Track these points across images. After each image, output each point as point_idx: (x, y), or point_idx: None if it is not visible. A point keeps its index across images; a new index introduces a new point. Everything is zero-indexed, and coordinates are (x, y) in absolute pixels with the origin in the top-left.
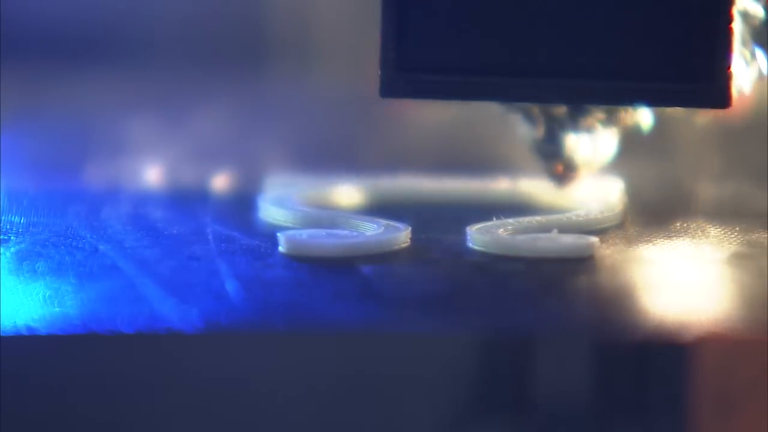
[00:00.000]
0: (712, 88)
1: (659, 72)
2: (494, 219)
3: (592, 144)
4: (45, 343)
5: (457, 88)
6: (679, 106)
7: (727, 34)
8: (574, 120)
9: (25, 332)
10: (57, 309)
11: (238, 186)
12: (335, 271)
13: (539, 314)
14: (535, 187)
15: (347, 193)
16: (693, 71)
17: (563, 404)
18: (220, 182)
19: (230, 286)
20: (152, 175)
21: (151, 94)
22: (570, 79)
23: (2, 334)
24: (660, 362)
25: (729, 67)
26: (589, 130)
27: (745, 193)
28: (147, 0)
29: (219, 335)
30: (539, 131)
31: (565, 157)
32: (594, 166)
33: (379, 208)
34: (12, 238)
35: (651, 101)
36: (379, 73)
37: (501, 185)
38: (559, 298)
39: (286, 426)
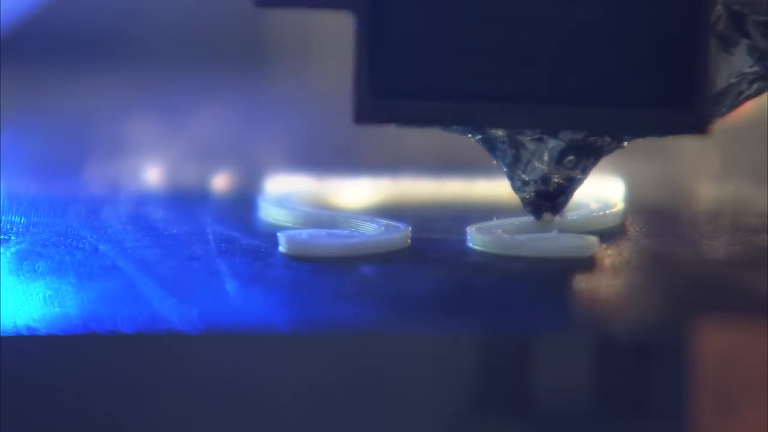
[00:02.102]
0: (689, 114)
1: (635, 98)
2: (494, 219)
3: (568, 173)
4: (45, 343)
5: (432, 114)
6: (655, 134)
7: (704, 60)
8: (548, 148)
9: (25, 332)
10: (57, 309)
11: (238, 186)
12: (335, 271)
13: (539, 314)
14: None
15: (347, 193)
16: (670, 98)
17: (563, 404)
18: (220, 182)
19: (230, 286)
20: (152, 175)
21: (151, 94)
22: (545, 105)
23: (2, 334)
24: (660, 362)
25: (705, 93)
26: (563, 158)
27: (745, 193)
28: (147, 0)
29: (219, 335)
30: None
31: (541, 187)
32: (570, 195)
33: (379, 208)
34: (12, 238)
35: (626, 127)
36: (353, 99)
37: (501, 185)
38: (559, 298)
39: (286, 426)
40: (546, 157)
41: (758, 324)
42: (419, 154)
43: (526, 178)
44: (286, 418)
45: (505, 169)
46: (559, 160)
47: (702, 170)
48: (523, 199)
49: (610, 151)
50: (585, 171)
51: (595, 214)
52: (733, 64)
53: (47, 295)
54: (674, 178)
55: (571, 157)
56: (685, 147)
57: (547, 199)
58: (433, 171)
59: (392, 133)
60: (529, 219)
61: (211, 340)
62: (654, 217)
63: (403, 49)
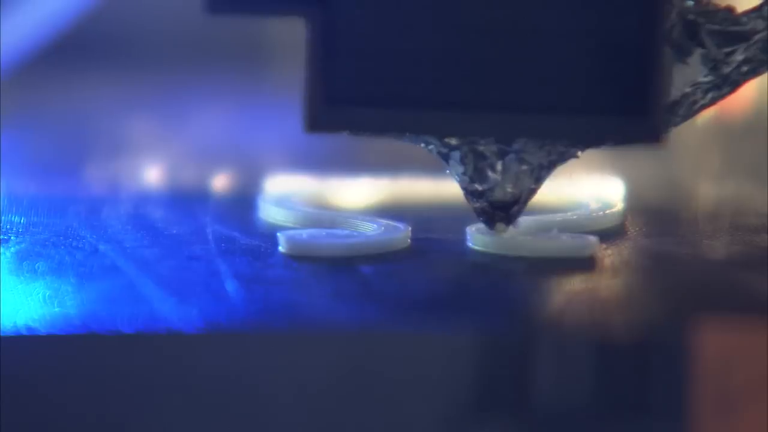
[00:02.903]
0: (644, 123)
1: (589, 107)
2: None
3: (524, 181)
4: (45, 343)
5: (385, 122)
6: (610, 142)
7: (659, 69)
8: (504, 157)
9: (25, 332)
10: (57, 309)
11: (238, 186)
12: (335, 271)
13: (539, 314)
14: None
15: (347, 193)
16: (624, 106)
17: (563, 404)
18: (220, 182)
19: (230, 286)
20: (152, 175)
21: (151, 94)
22: (498, 113)
23: (2, 334)
24: (660, 362)
25: (660, 102)
26: (517, 167)
27: (745, 193)
28: (147, 0)
29: (219, 335)
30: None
31: (495, 197)
32: (524, 205)
33: (379, 209)
34: (12, 238)
35: (580, 136)
36: (305, 107)
37: None
38: (558, 298)
39: (286, 426)
40: (500, 167)
41: (758, 324)
42: (419, 154)
43: (480, 188)
44: (285, 418)
45: (458, 179)
46: (513, 169)
47: (702, 170)
48: (476, 209)
49: (563, 161)
50: (539, 181)
51: (594, 214)
52: (688, 74)
53: (47, 295)
54: (674, 178)
55: (524, 167)
56: (685, 147)
57: (501, 209)
58: (433, 171)
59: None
60: (529, 219)
61: (211, 340)
62: (654, 217)
63: (356, 57)
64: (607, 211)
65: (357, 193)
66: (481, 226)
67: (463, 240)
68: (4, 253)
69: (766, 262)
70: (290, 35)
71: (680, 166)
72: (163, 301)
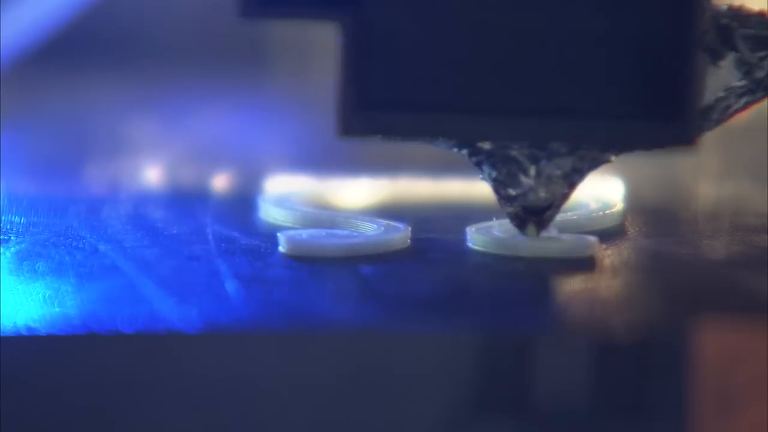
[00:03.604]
0: (678, 127)
1: (622, 111)
2: (494, 219)
3: (557, 186)
4: (45, 343)
5: (418, 127)
6: (643, 146)
7: (693, 73)
8: (537, 162)
9: (25, 332)
10: (57, 309)
11: (238, 186)
12: (335, 271)
13: (539, 314)
14: None
15: (347, 193)
16: (658, 111)
17: (563, 404)
18: (220, 182)
19: (230, 286)
20: (152, 175)
21: (152, 94)
22: (532, 118)
23: (2, 334)
24: (660, 362)
25: (694, 106)
26: (552, 171)
27: (745, 193)
28: (147, 1)
29: (219, 335)
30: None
31: (528, 201)
32: (557, 209)
33: (379, 209)
34: (12, 238)
35: (614, 140)
36: (338, 112)
37: None
38: (558, 298)
39: (286, 426)
40: (533, 172)
41: (758, 324)
42: (419, 154)
43: (513, 193)
44: (285, 418)
45: (491, 184)
46: (546, 174)
47: (702, 170)
48: (508, 214)
49: (597, 166)
50: (572, 185)
51: (594, 214)
52: (721, 78)
53: (47, 295)
54: (674, 178)
55: (557, 172)
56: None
57: (534, 214)
58: (433, 171)
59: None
60: None
61: (211, 340)
62: (654, 217)
63: (389, 62)
64: (607, 211)
65: (357, 193)
66: (481, 226)
67: (463, 240)
68: (4, 253)
69: (766, 262)
70: (290, 35)
71: (680, 166)
72: (163, 301)
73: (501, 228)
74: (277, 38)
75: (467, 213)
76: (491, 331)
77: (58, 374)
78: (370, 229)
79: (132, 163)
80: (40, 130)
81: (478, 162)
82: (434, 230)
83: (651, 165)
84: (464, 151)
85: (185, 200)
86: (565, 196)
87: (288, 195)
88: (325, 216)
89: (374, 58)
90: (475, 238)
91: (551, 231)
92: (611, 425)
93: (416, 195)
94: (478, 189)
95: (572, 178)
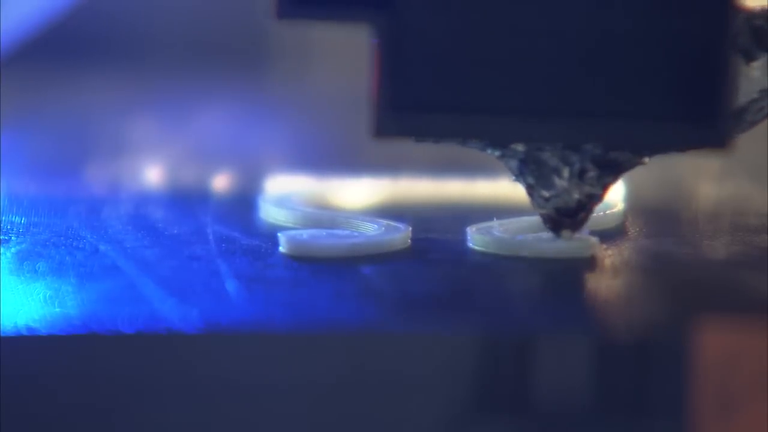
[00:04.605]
0: (711, 129)
1: (656, 112)
2: (494, 219)
3: (589, 189)
4: (45, 343)
5: (451, 128)
6: (676, 148)
7: (726, 74)
8: (570, 164)
9: (25, 332)
10: (57, 309)
11: (238, 186)
12: (335, 271)
13: (539, 314)
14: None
15: (347, 193)
16: (691, 112)
17: (563, 404)
18: (220, 182)
19: (231, 287)
20: (153, 175)
21: (152, 94)
22: (568, 119)
23: (2, 334)
24: (660, 362)
25: (728, 108)
26: (583, 174)
27: (745, 193)
28: (147, 1)
29: (219, 335)
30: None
31: (561, 204)
32: (591, 211)
33: (379, 209)
34: (12, 238)
35: (647, 141)
36: (372, 113)
37: (501, 185)
38: (558, 298)
39: (287, 426)
40: (566, 173)
41: (758, 324)
42: (419, 155)
43: (547, 195)
44: (286, 418)
45: (524, 186)
46: (579, 176)
47: (702, 170)
48: (542, 216)
49: (630, 167)
50: (606, 187)
51: (595, 214)
52: (755, 80)
53: (47, 295)
54: (674, 178)
55: (592, 174)
56: None
57: (568, 215)
58: (433, 171)
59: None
60: (529, 219)
61: (211, 340)
62: (654, 217)
63: (423, 63)
64: (607, 211)
65: (357, 193)
66: (481, 226)
67: (463, 240)
68: (5, 254)
69: (766, 262)
70: (290, 35)
71: (680, 166)
72: (164, 301)
73: (501, 228)
74: (277, 38)
75: (467, 213)
76: (491, 331)
77: (58, 374)
78: (371, 229)
79: (132, 163)
80: (41, 130)
81: (510, 164)
82: (434, 230)
83: (651, 165)
84: (497, 153)
85: (186, 200)
86: (599, 198)
87: (288, 195)
88: (325, 216)
89: (408, 59)
90: (476, 238)
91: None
92: (611, 425)
93: (416, 195)
94: (478, 189)
95: (605, 180)
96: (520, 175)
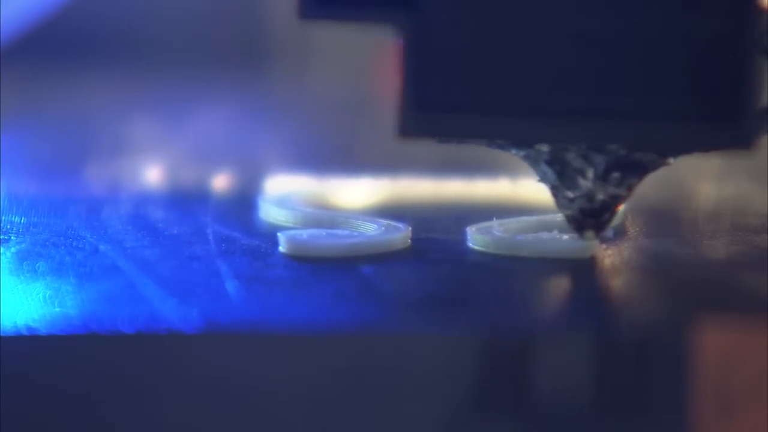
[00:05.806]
0: (735, 129)
1: (680, 113)
2: (494, 219)
3: (613, 190)
4: (45, 343)
5: (476, 129)
6: (700, 148)
7: (751, 75)
8: (595, 164)
9: (25, 332)
10: (57, 309)
11: (237, 186)
12: (335, 271)
13: (539, 314)
14: (535, 187)
15: (347, 193)
16: (715, 113)
17: (563, 404)
18: (220, 182)
19: (231, 287)
20: (152, 175)
21: (152, 94)
22: (592, 120)
23: (2, 334)
24: (660, 362)
25: (752, 108)
26: (608, 175)
27: (745, 193)
28: (147, 0)
29: (219, 335)
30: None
31: (585, 204)
32: (614, 212)
33: (379, 208)
34: (13, 238)
35: (671, 142)
36: (398, 113)
37: (501, 185)
38: (558, 298)
39: (286, 426)
40: (591, 174)
41: (758, 324)
42: (419, 154)
43: (571, 195)
44: (285, 418)
45: (549, 186)
46: (604, 176)
47: (702, 170)
48: (567, 217)
49: (654, 168)
50: (630, 188)
51: None
52: None
53: (47, 295)
54: (674, 178)
55: (616, 174)
56: None
57: (592, 216)
58: (433, 171)
59: (392, 133)
60: (529, 219)
61: (211, 340)
62: (654, 217)
63: (448, 64)
64: None
65: (357, 193)
66: (481, 226)
67: (463, 240)
68: (5, 253)
69: (766, 262)
70: (290, 35)
71: (680, 166)
72: (164, 301)
73: (501, 228)
74: (277, 38)
75: (467, 213)
76: (491, 331)
77: (58, 374)
78: (371, 229)
79: (132, 163)
80: (40, 130)
81: (535, 165)
82: (434, 230)
83: None
84: (522, 153)
85: (185, 200)
86: (623, 199)
87: (288, 195)
88: (325, 216)
89: (433, 60)
90: (476, 238)
91: (552, 231)
92: (611, 425)
93: (416, 195)
94: (478, 189)
95: (630, 181)
96: (543, 176)
